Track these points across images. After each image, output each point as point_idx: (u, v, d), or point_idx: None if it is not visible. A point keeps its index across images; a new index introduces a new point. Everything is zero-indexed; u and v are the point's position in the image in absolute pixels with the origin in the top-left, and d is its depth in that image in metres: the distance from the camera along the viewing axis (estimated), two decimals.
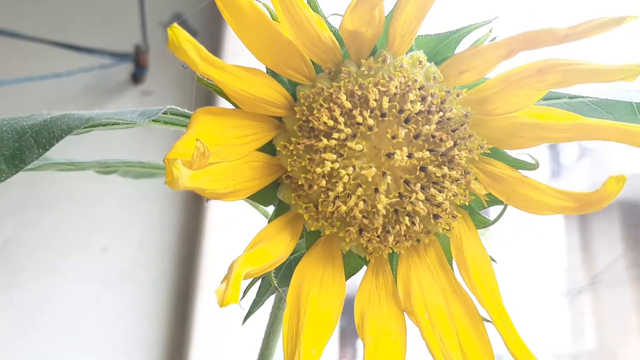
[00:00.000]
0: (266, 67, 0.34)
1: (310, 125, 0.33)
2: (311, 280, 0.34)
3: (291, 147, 0.33)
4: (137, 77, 1.58)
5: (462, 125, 0.34)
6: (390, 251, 0.35)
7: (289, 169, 0.34)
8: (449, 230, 0.35)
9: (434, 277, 0.36)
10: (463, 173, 0.34)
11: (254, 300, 0.44)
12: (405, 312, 0.35)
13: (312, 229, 0.34)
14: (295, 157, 0.33)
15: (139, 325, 1.56)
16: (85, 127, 0.30)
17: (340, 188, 0.32)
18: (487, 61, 0.33)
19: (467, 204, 0.35)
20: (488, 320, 0.35)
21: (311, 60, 0.34)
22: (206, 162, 0.30)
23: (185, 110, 0.37)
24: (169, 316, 1.59)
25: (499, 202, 0.36)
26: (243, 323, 0.48)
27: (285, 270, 0.42)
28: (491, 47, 0.33)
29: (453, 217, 0.34)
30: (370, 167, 0.32)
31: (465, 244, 0.36)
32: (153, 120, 0.34)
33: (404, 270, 0.36)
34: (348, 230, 0.34)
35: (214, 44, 1.72)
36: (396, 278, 0.36)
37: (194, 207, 1.68)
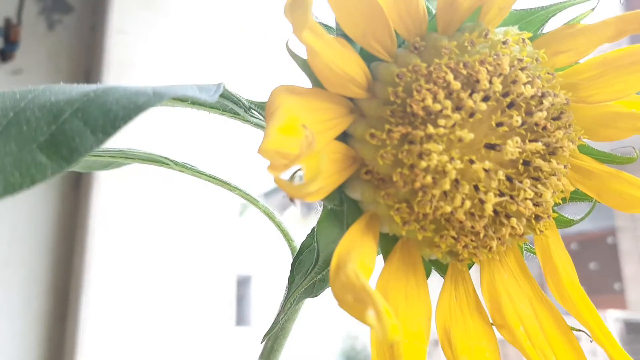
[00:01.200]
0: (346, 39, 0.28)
1: (409, 110, 0.27)
2: (396, 294, 0.28)
3: (383, 136, 0.27)
4: (5, 54, 1.37)
5: (562, 113, 0.30)
6: (485, 257, 0.30)
7: (380, 162, 0.28)
8: (542, 232, 0.31)
9: (519, 284, 0.32)
10: (564, 168, 0.30)
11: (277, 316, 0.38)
12: (494, 326, 0.31)
13: (403, 233, 0.29)
14: (388, 147, 0.27)
15: (10, 328, 1.38)
16: (157, 104, 0.21)
17: (447, 185, 0.27)
18: (590, 42, 0.30)
19: (560, 202, 0.31)
20: (577, 330, 0.32)
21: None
22: (311, 153, 0.23)
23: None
24: (45, 318, 1.43)
25: (586, 199, 0.33)
26: (262, 341, 0.41)
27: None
28: (598, 27, 0.29)
29: (548, 216, 0.31)
30: (485, 159, 0.27)
31: (552, 246, 0.32)
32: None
33: (487, 278, 0.31)
34: (443, 234, 0.29)
35: (94, 21, 1.56)
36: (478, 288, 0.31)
37: (72, 199, 1.52)
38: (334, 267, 0.25)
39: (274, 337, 0.43)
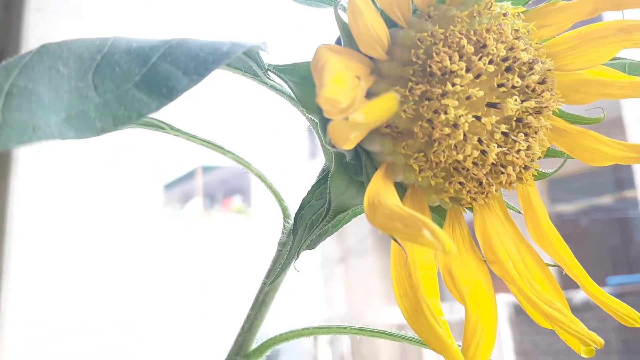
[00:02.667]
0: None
1: (428, 70, 0.31)
2: None
3: (406, 93, 0.31)
4: None
5: (547, 78, 0.35)
6: (480, 203, 0.35)
7: (403, 116, 0.31)
8: (527, 181, 0.36)
9: (505, 228, 0.36)
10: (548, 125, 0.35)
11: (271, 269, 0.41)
12: (486, 262, 0.35)
13: (419, 179, 0.33)
14: (410, 103, 0.31)
15: None
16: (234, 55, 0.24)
17: (460, 136, 0.31)
18: (570, 18, 0.35)
19: (542, 156, 0.36)
20: (552, 265, 0.37)
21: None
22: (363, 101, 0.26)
23: None
24: None
25: (557, 155, 0.38)
26: (258, 291, 0.43)
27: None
28: (577, 4, 0.35)
29: (533, 168, 0.36)
30: (489, 115, 0.32)
31: (532, 195, 0.37)
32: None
33: (480, 222, 0.36)
34: (452, 181, 0.33)
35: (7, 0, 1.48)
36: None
37: None
38: (368, 205, 0.29)
39: (266, 292, 0.46)
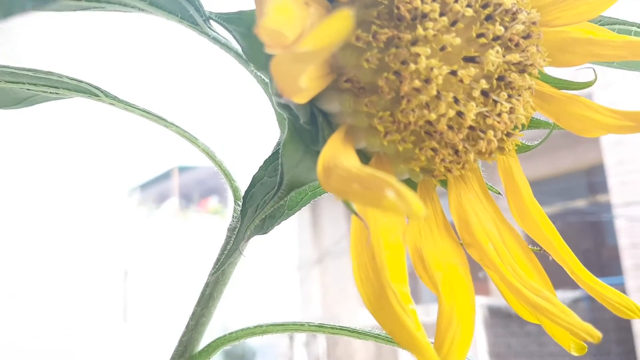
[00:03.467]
0: None
1: (395, 11, 0.26)
2: (373, 209, 0.27)
3: (369, 38, 0.26)
4: None
5: (532, 32, 0.30)
6: (454, 177, 0.30)
7: (365, 66, 0.26)
8: (509, 151, 0.31)
9: (484, 206, 0.32)
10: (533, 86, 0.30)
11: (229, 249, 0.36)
12: (463, 245, 0.31)
13: (385, 143, 0.28)
14: (374, 51, 0.26)
15: None
16: None
17: (433, 91, 0.26)
18: None
19: (526, 123, 0.32)
20: (537, 250, 0.32)
21: None
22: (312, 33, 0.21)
23: None
24: None
25: (542, 126, 0.33)
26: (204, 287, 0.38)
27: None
28: None
29: (516, 135, 0.31)
30: (470, 67, 0.27)
31: (514, 168, 0.32)
32: None
33: (455, 198, 0.31)
34: (423, 147, 0.28)
35: None
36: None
37: None
38: (321, 169, 0.24)
39: (214, 283, 0.40)
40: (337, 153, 0.25)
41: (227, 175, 0.41)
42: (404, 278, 0.26)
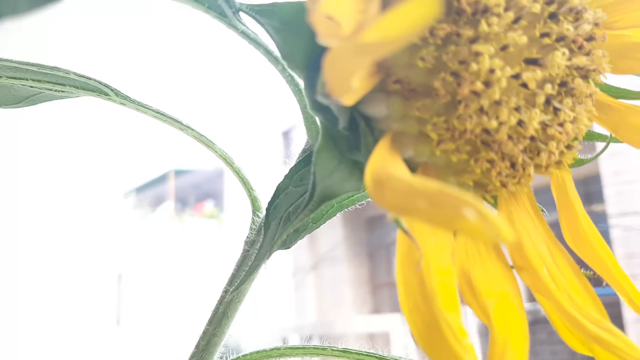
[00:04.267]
0: None
1: (455, 4, 0.23)
2: (421, 227, 0.24)
3: (425, 34, 0.23)
4: None
5: (595, 34, 0.27)
6: (513, 189, 0.27)
7: (420, 65, 0.23)
8: (566, 165, 0.28)
9: (535, 225, 0.29)
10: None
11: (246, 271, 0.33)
12: (514, 268, 0.28)
13: (437, 152, 0.24)
14: (430, 48, 0.23)
15: None
16: None
17: (495, 95, 0.23)
18: None
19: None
20: (590, 275, 0.29)
21: None
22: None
23: None
24: None
25: (596, 138, 0.30)
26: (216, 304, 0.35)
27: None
28: None
29: (576, 148, 0.28)
30: (535, 70, 0.24)
31: (568, 183, 0.29)
32: None
33: (506, 216, 0.28)
34: (479, 158, 0.25)
35: None
36: None
37: None
38: (372, 181, 0.21)
39: (228, 302, 0.37)
40: (388, 162, 0.22)
41: (245, 183, 0.38)
42: (457, 307, 0.23)
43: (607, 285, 0.29)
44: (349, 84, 0.19)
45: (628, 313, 7.02)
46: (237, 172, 0.38)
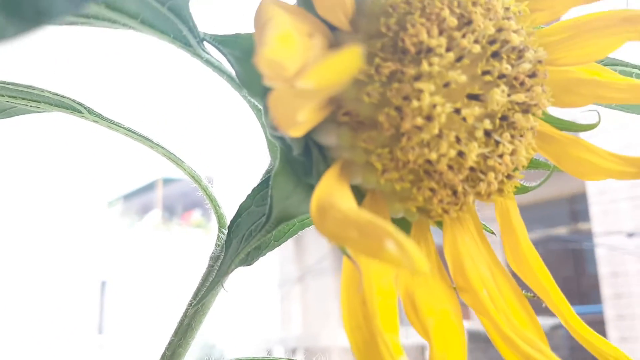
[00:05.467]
0: None
1: (400, 44, 0.25)
2: None
3: (371, 71, 0.25)
4: None
5: (538, 71, 0.29)
6: (452, 218, 0.29)
7: (365, 100, 0.25)
8: (508, 193, 0.30)
9: (479, 249, 0.30)
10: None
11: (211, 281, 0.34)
12: (456, 289, 0.29)
13: (382, 181, 0.26)
14: (375, 84, 0.25)
15: None
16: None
17: (435, 130, 0.25)
18: (566, 2, 0.29)
19: (526, 165, 0.30)
20: (530, 296, 0.31)
21: None
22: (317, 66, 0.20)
23: None
24: None
25: (542, 167, 0.32)
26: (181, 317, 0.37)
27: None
28: None
29: (517, 177, 0.30)
30: (471, 107, 0.26)
31: (512, 211, 0.31)
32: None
33: (450, 240, 0.30)
34: (421, 186, 0.27)
35: None
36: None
37: None
38: (316, 210, 0.22)
39: (192, 315, 0.38)
40: (333, 191, 0.24)
41: (212, 200, 0.39)
42: (395, 327, 0.25)
43: (547, 307, 0.31)
44: (294, 119, 0.21)
45: (613, 332, 7.06)
46: (205, 190, 0.39)
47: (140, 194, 12.49)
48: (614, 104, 0.32)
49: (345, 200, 0.23)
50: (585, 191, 7.40)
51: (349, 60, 0.18)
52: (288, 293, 8.56)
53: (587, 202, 7.41)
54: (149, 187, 12.23)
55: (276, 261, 8.75)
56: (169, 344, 0.39)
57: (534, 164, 0.32)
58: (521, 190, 0.32)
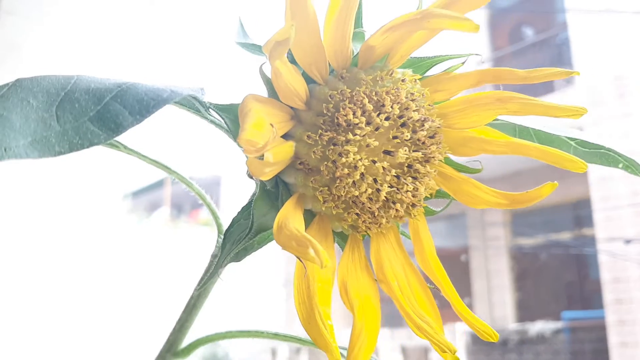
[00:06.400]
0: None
1: (335, 120, 0.39)
2: None
3: (316, 138, 0.38)
4: None
5: (436, 134, 0.42)
6: (375, 231, 0.42)
7: (312, 156, 0.39)
8: (416, 216, 0.44)
9: (396, 253, 0.44)
10: (434, 172, 0.43)
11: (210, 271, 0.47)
12: (377, 281, 0.43)
13: (323, 209, 0.40)
14: (319, 146, 0.39)
15: None
16: (175, 102, 0.31)
17: (357, 176, 0.39)
18: (459, 86, 0.43)
19: (429, 196, 0.44)
20: (432, 288, 0.45)
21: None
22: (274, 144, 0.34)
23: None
24: None
25: (445, 196, 0.46)
26: (190, 297, 0.50)
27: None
28: (465, 76, 0.43)
29: (420, 205, 0.43)
30: (383, 160, 0.39)
31: (421, 228, 0.45)
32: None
33: (375, 247, 0.43)
34: (350, 212, 0.40)
35: None
36: (368, 254, 0.43)
37: None
38: (276, 227, 0.36)
39: (197, 296, 0.52)
40: (289, 215, 0.37)
41: (213, 213, 0.53)
42: (328, 302, 0.39)
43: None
44: (263, 172, 0.35)
45: (613, 337, 7.13)
46: (209, 205, 0.53)
47: (149, 192, 12.66)
48: (496, 154, 0.45)
49: (295, 222, 0.36)
50: (589, 197, 7.48)
51: (288, 149, 0.32)
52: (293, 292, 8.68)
53: (591, 208, 7.49)
54: (158, 185, 12.41)
55: (281, 261, 8.92)
56: (179, 319, 0.52)
57: (440, 194, 0.46)
58: (429, 212, 0.46)
